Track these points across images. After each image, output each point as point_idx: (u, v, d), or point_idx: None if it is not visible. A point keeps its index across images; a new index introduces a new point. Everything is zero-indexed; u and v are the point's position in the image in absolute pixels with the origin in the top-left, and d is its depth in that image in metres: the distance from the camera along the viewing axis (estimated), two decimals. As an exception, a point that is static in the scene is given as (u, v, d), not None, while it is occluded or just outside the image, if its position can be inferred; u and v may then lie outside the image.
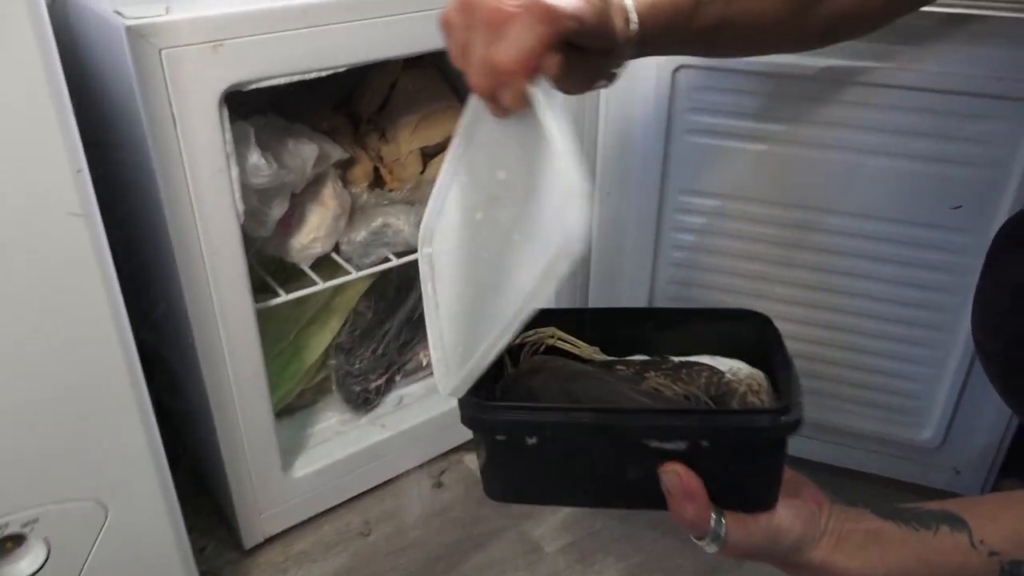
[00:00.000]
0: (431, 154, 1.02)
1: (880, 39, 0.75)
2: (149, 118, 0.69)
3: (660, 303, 1.02)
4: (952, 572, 0.48)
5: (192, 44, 0.69)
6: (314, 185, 0.93)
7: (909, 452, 0.99)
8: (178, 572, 0.79)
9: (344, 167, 1.01)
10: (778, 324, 0.57)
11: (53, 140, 0.56)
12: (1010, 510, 0.49)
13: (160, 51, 0.67)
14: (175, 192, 0.73)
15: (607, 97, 0.94)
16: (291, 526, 0.99)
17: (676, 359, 0.58)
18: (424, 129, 1.00)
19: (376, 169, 1.03)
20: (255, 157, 0.79)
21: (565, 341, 0.60)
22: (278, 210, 0.87)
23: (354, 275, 0.93)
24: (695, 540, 0.50)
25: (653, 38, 0.53)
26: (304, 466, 0.98)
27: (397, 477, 1.07)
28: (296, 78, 0.76)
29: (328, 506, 1.02)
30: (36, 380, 0.63)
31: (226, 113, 0.73)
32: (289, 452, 0.98)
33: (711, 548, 0.49)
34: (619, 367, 0.58)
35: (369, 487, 1.04)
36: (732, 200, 0.93)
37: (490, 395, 0.56)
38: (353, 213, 0.98)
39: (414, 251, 0.97)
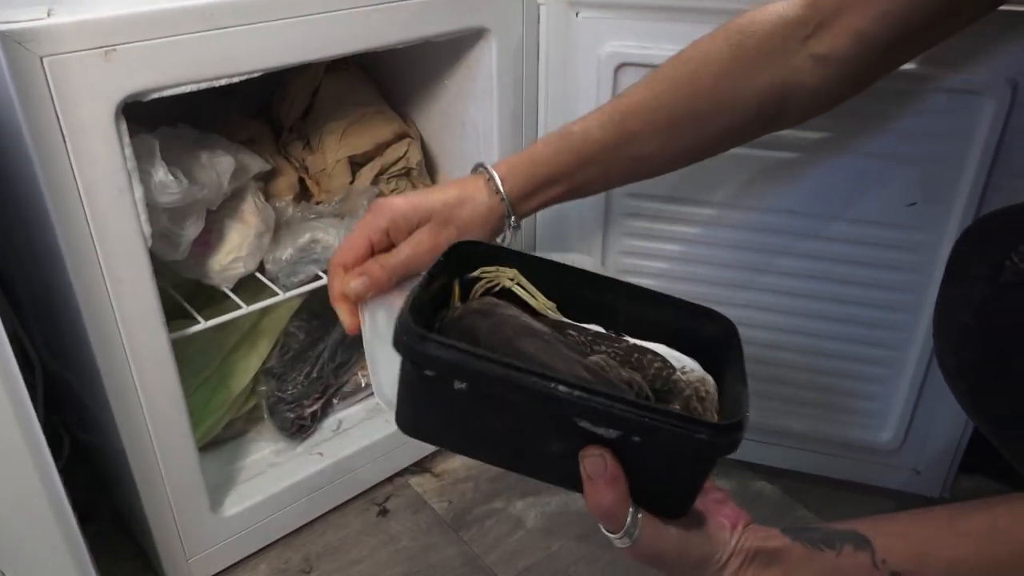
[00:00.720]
0: (360, 163, 0.96)
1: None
2: (34, 135, 0.62)
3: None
4: None
5: (80, 51, 0.61)
6: (233, 200, 0.86)
7: (868, 454, 0.97)
8: (92, 637, 0.71)
9: (266, 179, 0.93)
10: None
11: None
12: (918, 528, 0.48)
13: (42, 59, 0.60)
14: (69, 217, 0.65)
15: (546, 97, 0.89)
16: (222, 569, 0.91)
17: (631, 340, 0.55)
18: (352, 136, 0.94)
19: (302, 180, 0.96)
20: (161, 174, 0.71)
21: (524, 288, 0.57)
22: (192, 230, 0.79)
23: (281, 296, 0.86)
24: (606, 532, 0.49)
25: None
26: (236, 503, 0.90)
27: (339, 506, 1.00)
28: (204, 85, 0.69)
29: (264, 543, 0.94)
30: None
31: (124, 127, 0.66)
32: (218, 488, 0.91)
33: (622, 543, 0.48)
34: (571, 332, 0.54)
35: (309, 519, 0.98)
36: (678, 203, 0.89)
37: (430, 325, 0.52)
38: (278, 229, 0.91)
39: (346, 267, 0.90)
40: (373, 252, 0.61)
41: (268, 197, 0.93)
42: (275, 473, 0.95)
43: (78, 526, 0.95)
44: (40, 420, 1.00)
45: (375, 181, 0.96)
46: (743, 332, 0.54)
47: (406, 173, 0.98)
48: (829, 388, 0.94)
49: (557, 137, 0.63)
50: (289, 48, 0.72)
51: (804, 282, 0.88)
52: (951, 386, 0.60)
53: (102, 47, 0.62)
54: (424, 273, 0.53)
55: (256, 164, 0.88)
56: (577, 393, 0.45)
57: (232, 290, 0.87)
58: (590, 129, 0.62)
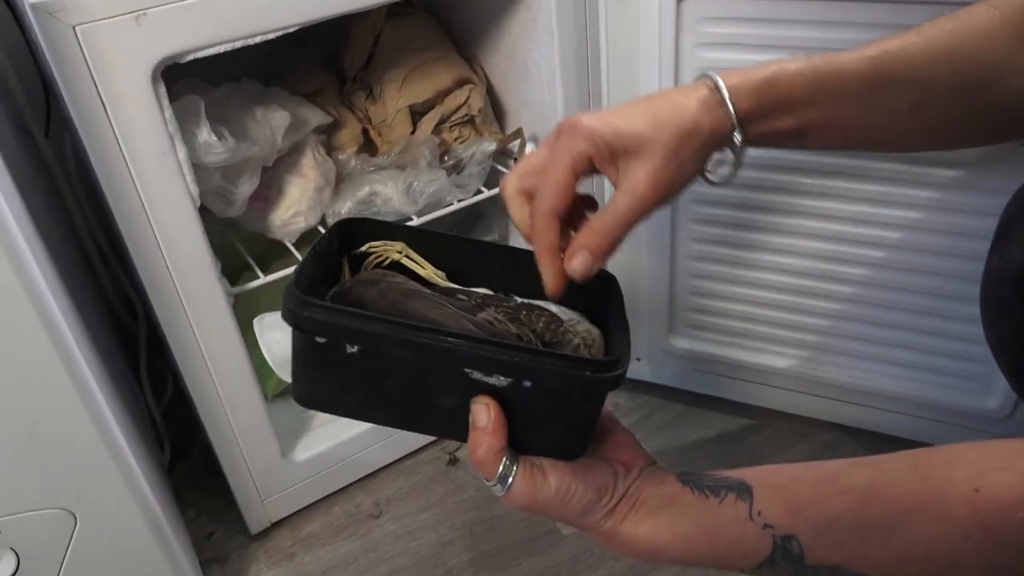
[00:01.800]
0: (421, 112, 0.93)
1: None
2: (75, 103, 0.64)
3: (682, 279, 0.93)
4: (729, 544, 0.46)
5: (110, 17, 0.62)
6: (292, 155, 0.87)
7: (974, 422, 0.87)
8: (164, 573, 0.76)
9: (330, 132, 0.93)
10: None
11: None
12: (800, 482, 0.45)
13: (74, 28, 0.61)
14: (118, 181, 0.67)
15: (607, 36, 0.83)
16: (299, 509, 0.96)
17: (519, 299, 0.56)
18: (412, 84, 0.92)
19: (366, 132, 0.95)
20: (205, 134, 0.72)
21: (412, 260, 0.58)
22: (246, 187, 0.80)
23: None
24: (485, 481, 0.49)
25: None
26: (307, 449, 0.94)
27: (411, 454, 1.02)
28: (239, 44, 0.69)
29: (339, 486, 0.98)
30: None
31: (163, 90, 0.67)
32: (290, 435, 0.94)
33: (497, 491, 0.48)
34: (460, 296, 0.56)
35: (381, 465, 1.00)
36: (758, 169, 0.81)
37: (321, 299, 0.52)
38: (340, 182, 0.91)
39: (406, 219, 0.90)
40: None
41: (332, 150, 0.93)
42: (347, 420, 0.97)
43: (168, 463, 1.02)
44: (143, 364, 1.09)
45: (437, 130, 0.93)
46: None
47: (469, 120, 0.95)
48: (931, 349, 0.85)
49: (801, 58, 0.52)
50: (318, 2, 0.70)
51: (904, 233, 0.79)
52: (997, 363, 0.52)
53: (132, 12, 0.63)
54: (310, 249, 0.54)
55: (316, 117, 0.88)
56: (467, 343, 0.46)
57: (296, 243, 0.89)
58: (842, 60, 0.51)
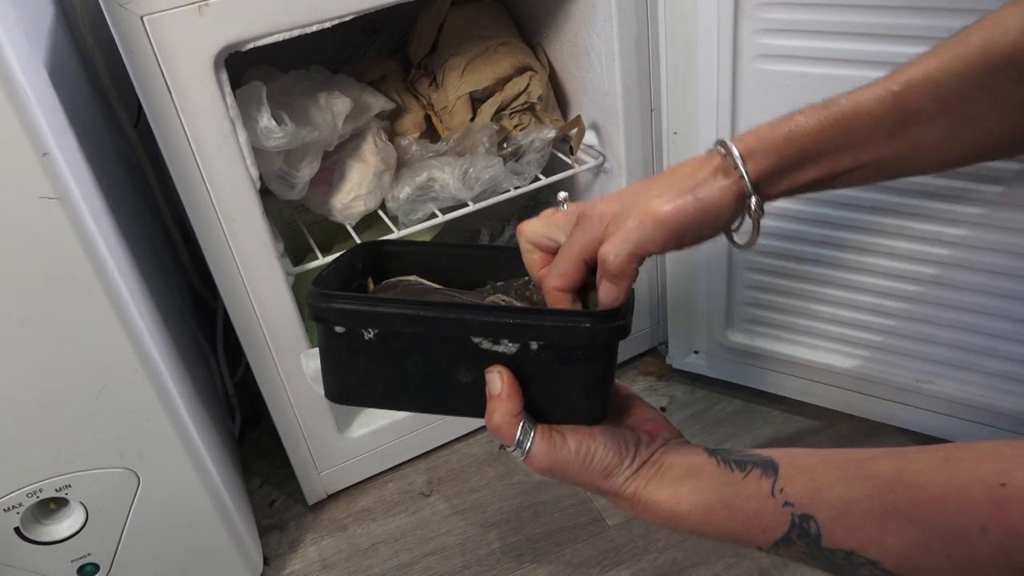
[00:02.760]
0: (481, 99, 0.94)
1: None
2: (143, 88, 0.68)
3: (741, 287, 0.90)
4: (748, 518, 0.46)
5: (174, 8, 0.65)
6: (354, 140, 0.89)
7: (1049, 432, 0.82)
8: (220, 535, 0.81)
9: (393, 117, 0.96)
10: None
11: (11, 128, 0.55)
12: (826, 465, 0.45)
13: (142, 18, 0.65)
14: (182, 162, 0.71)
15: (666, 25, 0.81)
16: (355, 483, 0.99)
17: (527, 278, 0.57)
18: (472, 72, 0.93)
19: (428, 118, 0.97)
20: (265, 119, 0.75)
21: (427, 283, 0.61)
22: (307, 171, 0.83)
23: (396, 234, 0.89)
24: (506, 449, 0.50)
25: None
26: (363, 425, 0.97)
27: (465, 436, 1.04)
28: (296, 32, 0.71)
29: (394, 463, 1.01)
30: (44, 360, 0.64)
31: (224, 76, 0.70)
32: (348, 412, 0.98)
33: (517, 456, 0.49)
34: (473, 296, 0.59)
35: (435, 446, 1.03)
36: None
37: None
38: (401, 167, 0.93)
39: (462, 206, 0.91)
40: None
41: (395, 135, 0.95)
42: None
43: (237, 433, 1.07)
44: (220, 337, 1.14)
45: (497, 117, 0.94)
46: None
47: (529, 108, 0.95)
48: (997, 352, 0.80)
49: (820, 107, 0.51)
50: (375, -11, 0.72)
51: (967, 230, 0.75)
52: None
53: (195, 3, 0.66)
54: (331, 261, 0.58)
55: (379, 103, 0.91)
56: (469, 311, 0.49)
57: (359, 226, 0.91)
58: (862, 101, 0.50)
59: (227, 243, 0.76)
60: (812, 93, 0.52)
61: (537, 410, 0.49)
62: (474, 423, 1.03)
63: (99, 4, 0.66)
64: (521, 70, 0.94)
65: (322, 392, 0.56)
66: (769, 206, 0.51)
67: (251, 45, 0.70)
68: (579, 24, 0.92)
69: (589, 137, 0.96)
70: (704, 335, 1.00)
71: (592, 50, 0.91)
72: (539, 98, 0.94)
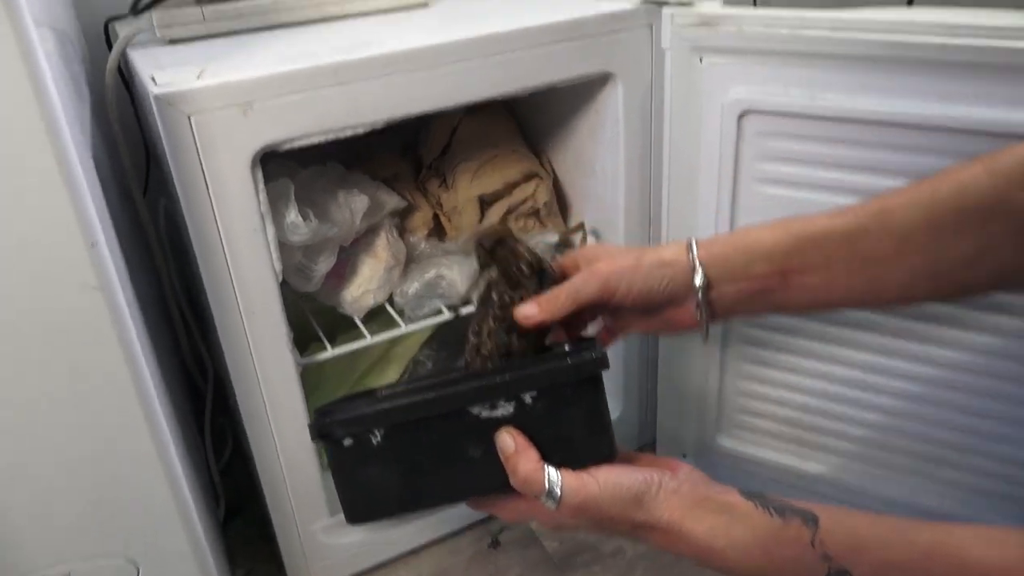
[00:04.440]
0: (490, 201, 0.99)
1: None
2: (182, 181, 0.70)
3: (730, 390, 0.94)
4: (783, 563, 0.48)
5: (221, 108, 0.69)
6: (368, 235, 0.92)
7: None
8: (213, 629, 0.79)
9: (404, 215, 0.99)
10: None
11: (66, 218, 0.57)
12: (870, 527, 0.47)
13: (189, 117, 0.68)
14: (210, 252, 0.73)
15: (670, 143, 0.87)
16: (343, 578, 0.98)
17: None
18: (483, 176, 0.97)
19: (437, 217, 1.01)
20: (292, 215, 0.78)
21: None
22: (324, 265, 0.86)
23: (403, 329, 0.91)
24: (537, 500, 0.52)
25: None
26: (356, 519, 0.96)
27: (455, 532, 1.04)
28: (331, 136, 0.75)
29: (381, 559, 1.00)
30: (63, 444, 0.64)
31: (260, 174, 0.73)
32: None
33: (550, 504, 0.50)
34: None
35: (424, 542, 1.02)
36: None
37: None
38: (410, 263, 0.96)
39: (469, 303, 0.94)
40: None
41: (404, 232, 0.98)
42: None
43: (221, 521, 1.05)
44: (208, 421, 1.13)
45: (503, 220, 0.98)
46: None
47: (534, 212, 1.00)
48: (979, 469, 0.84)
49: (780, 220, 0.57)
50: (410, 100, 0.76)
51: (957, 353, 0.80)
52: None
53: (240, 104, 0.69)
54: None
55: (392, 201, 0.94)
56: (462, 384, 0.52)
57: (365, 319, 0.93)
58: (815, 217, 0.55)
59: (245, 333, 0.78)
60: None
61: (551, 463, 0.52)
62: (465, 520, 1.03)
63: (126, 92, 0.69)
64: (528, 177, 0.99)
65: (344, 519, 0.58)
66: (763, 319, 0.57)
67: (289, 146, 0.73)
68: (585, 137, 0.97)
69: (591, 242, 1.01)
70: (693, 438, 1.03)
71: (597, 162, 0.97)
72: (544, 204, 0.99)
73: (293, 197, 0.79)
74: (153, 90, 0.66)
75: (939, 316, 0.79)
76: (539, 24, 0.80)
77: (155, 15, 0.79)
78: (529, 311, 0.59)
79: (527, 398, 0.51)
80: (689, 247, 0.58)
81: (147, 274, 1.02)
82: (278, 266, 0.77)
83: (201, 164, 0.70)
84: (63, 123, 0.56)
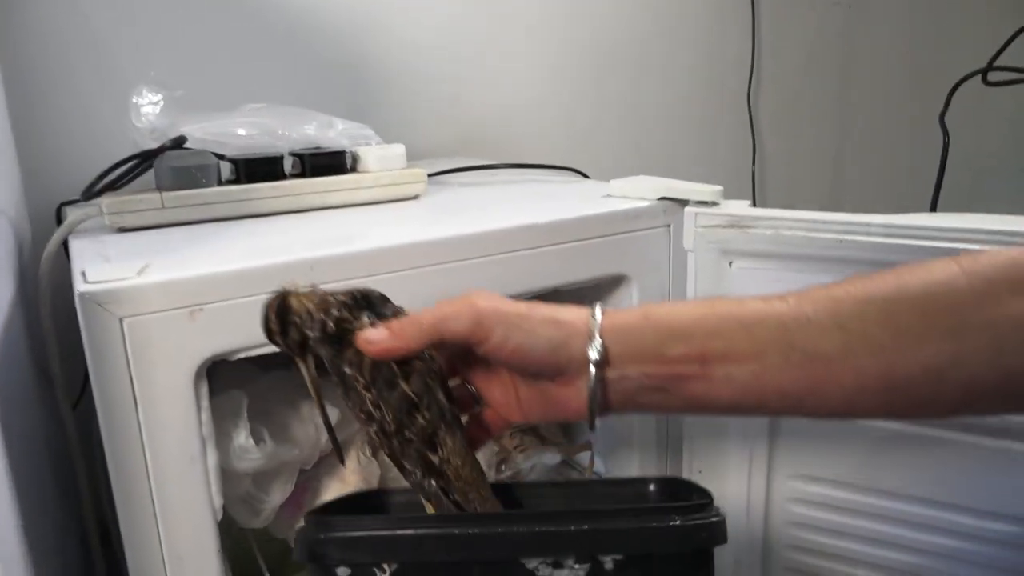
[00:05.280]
0: (481, 415, 0.85)
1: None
2: (103, 397, 0.56)
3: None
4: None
5: (163, 311, 0.57)
6: (333, 455, 0.77)
7: None
8: None
9: (379, 428, 0.85)
10: None
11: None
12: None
13: (121, 320, 0.55)
14: (130, 483, 0.58)
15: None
16: None
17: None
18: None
19: (418, 430, 0.87)
20: (242, 437, 0.64)
21: None
22: (278, 495, 0.71)
23: None
24: None
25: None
26: None
27: None
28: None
29: None
30: None
31: (204, 388, 0.60)
32: None
33: None
34: None
35: None
36: (860, 491, 0.70)
37: None
38: (383, 483, 0.81)
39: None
40: None
41: (377, 450, 0.84)
42: None
43: None
44: None
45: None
46: None
47: (532, 428, 0.86)
48: None
49: (705, 298, 0.50)
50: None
51: None
52: None
53: (188, 307, 0.57)
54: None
55: (366, 414, 0.80)
56: (519, 524, 0.37)
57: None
58: (748, 300, 0.46)
59: (168, 586, 0.61)
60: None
61: None
62: None
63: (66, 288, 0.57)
64: (526, 387, 0.86)
65: None
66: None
67: (243, 355, 0.61)
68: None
69: (598, 464, 0.87)
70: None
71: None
72: (544, 418, 0.85)
73: (245, 414, 0.65)
74: (79, 287, 0.54)
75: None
76: (542, 221, 0.71)
77: (104, 201, 0.69)
78: (375, 336, 0.46)
79: (608, 562, 0.37)
80: (592, 313, 0.46)
81: (64, 488, 0.86)
82: (218, 501, 0.62)
83: (131, 377, 0.56)
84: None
